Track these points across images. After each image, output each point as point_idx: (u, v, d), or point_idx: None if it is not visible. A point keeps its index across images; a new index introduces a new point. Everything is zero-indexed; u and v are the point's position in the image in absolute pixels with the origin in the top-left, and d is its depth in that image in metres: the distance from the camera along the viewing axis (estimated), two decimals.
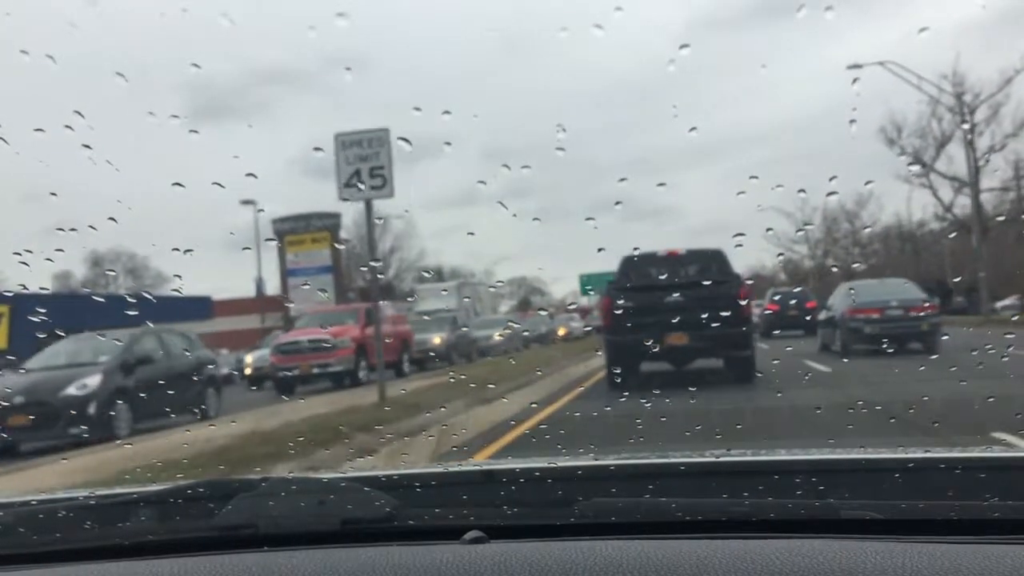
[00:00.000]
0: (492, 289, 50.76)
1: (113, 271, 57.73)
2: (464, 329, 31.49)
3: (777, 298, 31.89)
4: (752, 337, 14.11)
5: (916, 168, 42.74)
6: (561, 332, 44.52)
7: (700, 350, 13.57)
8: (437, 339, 29.13)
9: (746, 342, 13.42)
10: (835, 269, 55.84)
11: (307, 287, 49.10)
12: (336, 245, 56.22)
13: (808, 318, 26.46)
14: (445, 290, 45.92)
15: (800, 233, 63.87)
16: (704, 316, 12.70)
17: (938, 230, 49.99)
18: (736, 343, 13.28)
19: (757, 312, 33.17)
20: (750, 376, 13.10)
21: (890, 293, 19.17)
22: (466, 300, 42.61)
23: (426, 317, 32.37)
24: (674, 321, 12.67)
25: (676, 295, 13.42)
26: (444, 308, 36.81)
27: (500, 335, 34.98)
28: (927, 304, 18.90)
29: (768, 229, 54.83)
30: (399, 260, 63.72)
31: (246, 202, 35.89)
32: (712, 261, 14.05)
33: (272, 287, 52.86)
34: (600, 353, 15.98)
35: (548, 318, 50.39)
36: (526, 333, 41.32)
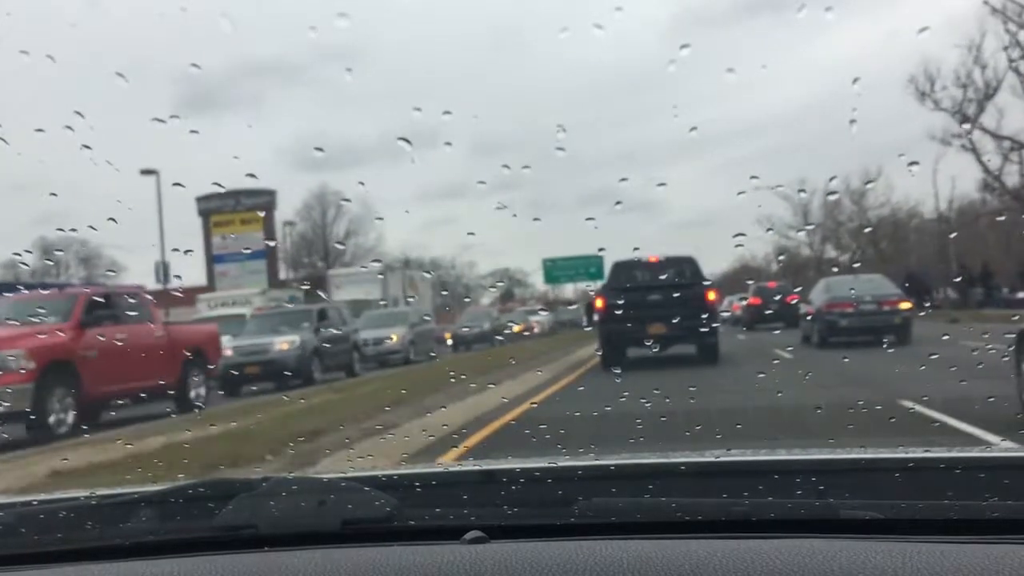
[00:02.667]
0: (427, 275, 41.58)
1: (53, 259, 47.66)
2: (335, 331, 21.87)
3: (758, 292, 32.38)
4: (717, 328, 17.47)
5: (960, 127, 35.90)
6: (517, 328, 39.13)
7: (676, 338, 16.65)
8: (284, 344, 20.11)
9: (711, 332, 16.68)
10: (851, 266, 49.44)
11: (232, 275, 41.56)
12: (287, 225, 49.92)
13: (788, 312, 27.14)
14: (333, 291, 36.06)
15: (808, 227, 59.50)
16: (679, 311, 16.13)
17: (979, 204, 43.34)
18: (703, 333, 16.37)
19: (742, 305, 33.87)
20: (715, 358, 16.49)
21: (864, 288, 19.94)
22: (376, 299, 33.98)
23: (279, 312, 24.49)
24: (655, 315, 15.96)
25: (656, 294, 16.64)
26: (363, 299, 30.22)
27: (395, 336, 26.47)
28: (899, 299, 20.01)
29: (768, 229, 52.22)
30: (354, 246, 58.64)
31: (147, 172, 31.00)
32: (685, 266, 17.76)
33: (196, 275, 45.38)
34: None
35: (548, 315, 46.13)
36: (466, 330, 35.07)
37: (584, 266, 46.55)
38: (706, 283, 17.67)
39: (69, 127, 2.94)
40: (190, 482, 1.72)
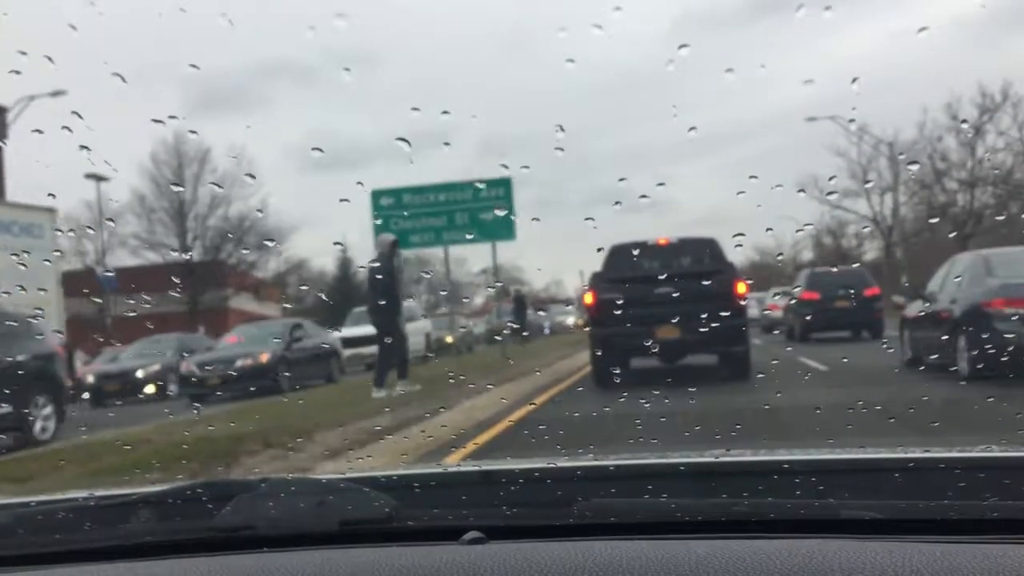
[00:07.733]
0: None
1: None
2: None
3: (816, 282, 21.19)
4: (748, 331, 13.08)
5: None
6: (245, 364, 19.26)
7: (692, 345, 12.67)
8: None
9: (741, 337, 12.59)
10: (963, 241, 31.08)
11: None
12: (93, 178, 30.17)
13: (867, 312, 19.30)
14: None
15: (869, 184, 40.65)
16: (696, 309, 12.03)
17: None
18: (730, 338, 12.42)
19: (782, 303, 24.23)
20: (746, 373, 12.46)
21: None
22: None
23: None
24: (664, 314, 11.86)
25: (667, 287, 12.38)
26: None
27: None
28: None
29: (768, 229, 44.38)
30: (223, 218, 41.31)
31: None
32: (705, 250, 13.34)
33: None
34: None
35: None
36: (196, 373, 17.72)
37: (475, 208, 20.49)
38: (732, 272, 12.94)
39: (67, 128, 2.94)
40: (189, 483, 1.72)
